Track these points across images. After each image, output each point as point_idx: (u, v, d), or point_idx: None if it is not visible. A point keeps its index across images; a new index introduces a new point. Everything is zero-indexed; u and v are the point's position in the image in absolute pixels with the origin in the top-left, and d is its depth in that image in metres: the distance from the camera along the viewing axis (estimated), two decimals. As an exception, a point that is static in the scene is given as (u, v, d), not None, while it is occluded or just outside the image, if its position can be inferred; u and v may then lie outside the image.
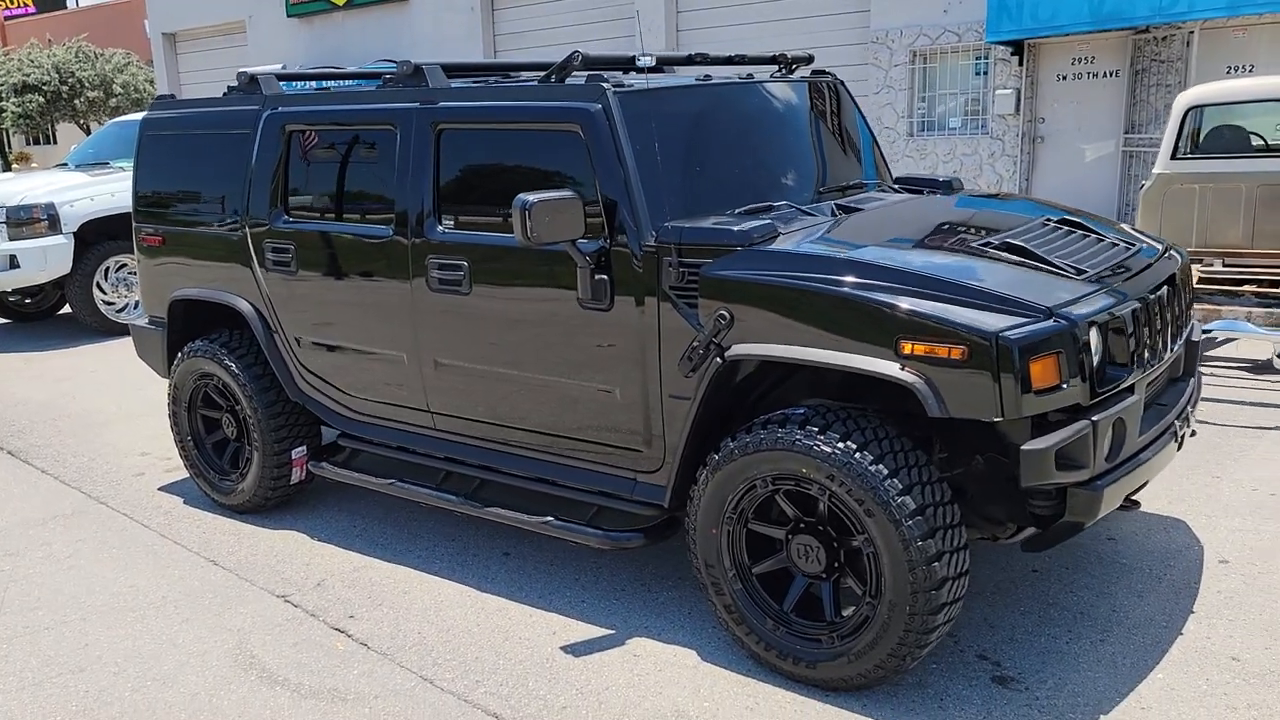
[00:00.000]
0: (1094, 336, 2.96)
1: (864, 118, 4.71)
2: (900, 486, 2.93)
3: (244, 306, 4.61)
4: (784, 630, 3.26)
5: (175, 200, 4.85)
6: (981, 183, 12.04)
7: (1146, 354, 3.20)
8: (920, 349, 2.89)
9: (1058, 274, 3.16)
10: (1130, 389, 3.11)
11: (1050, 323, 2.87)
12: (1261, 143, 7.55)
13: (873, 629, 3.03)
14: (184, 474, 5.25)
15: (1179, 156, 7.32)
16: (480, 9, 16.11)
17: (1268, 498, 4.45)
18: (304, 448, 4.71)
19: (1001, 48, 11.34)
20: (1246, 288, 6.32)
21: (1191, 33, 10.42)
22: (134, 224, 5.07)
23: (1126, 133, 10.99)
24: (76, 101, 25.64)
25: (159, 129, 4.89)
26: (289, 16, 18.70)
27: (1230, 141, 7.34)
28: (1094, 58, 11.23)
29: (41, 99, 25.60)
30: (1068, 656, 3.33)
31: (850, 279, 3.05)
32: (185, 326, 4.95)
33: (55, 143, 31.28)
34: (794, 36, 13.21)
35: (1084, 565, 3.93)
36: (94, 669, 3.57)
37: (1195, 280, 6.42)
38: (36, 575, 4.36)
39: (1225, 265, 6.89)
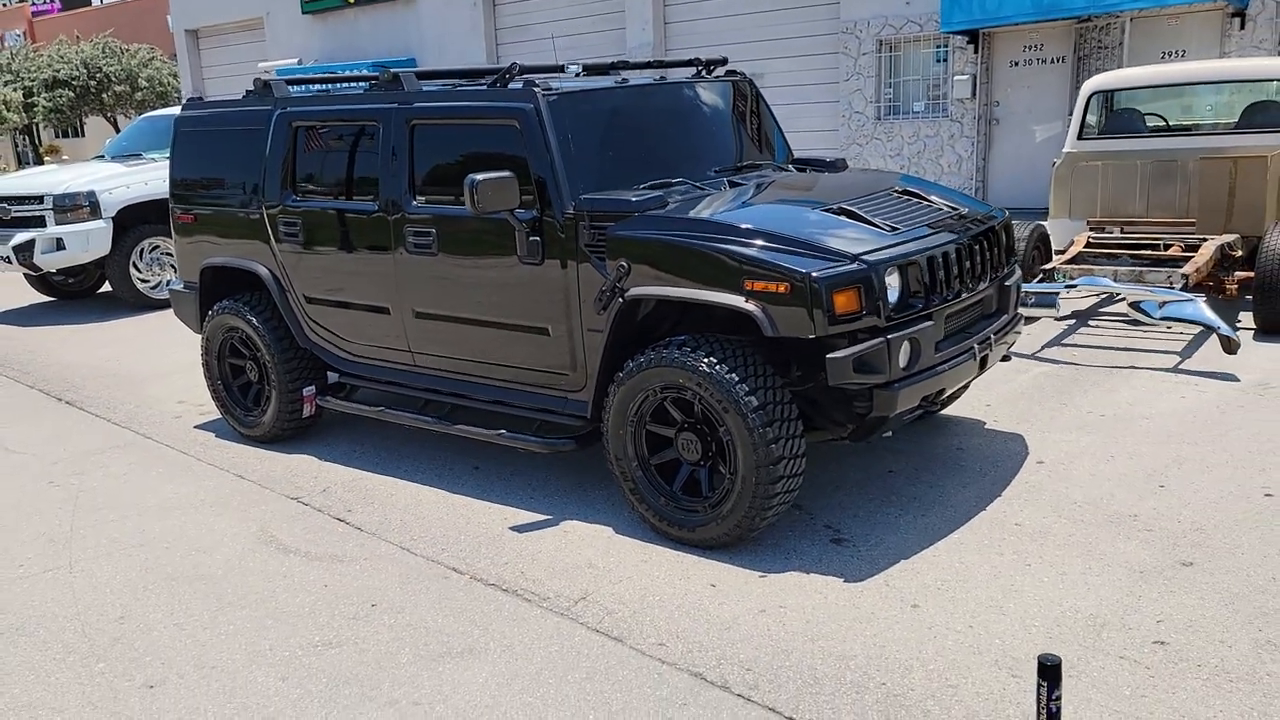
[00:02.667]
0: (892, 277, 3.95)
1: (769, 108, 5.71)
2: (747, 389, 3.94)
3: (262, 271, 5.67)
4: (673, 505, 4.28)
5: (204, 185, 5.91)
6: (943, 162, 12.97)
7: (945, 291, 4.20)
8: (759, 286, 3.90)
9: (874, 230, 4.16)
10: (928, 317, 4.11)
11: (852, 266, 3.87)
12: (1161, 123, 8.47)
13: (731, 498, 4.05)
14: (215, 416, 6.33)
15: (1085, 137, 8.26)
16: (482, 5, 17.11)
17: (1097, 419, 5.43)
18: (312, 386, 5.77)
19: (959, 36, 12.25)
20: (1127, 251, 7.27)
21: (1129, 21, 11.31)
22: (170, 205, 6.13)
23: (1069, 114, 11.89)
24: (104, 96, 26.80)
25: (190, 126, 5.95)
26: (304, 13, 19.77)
27: (1129, 123, 8.26)
28: (1043, 45, 12.13)
29: (71, 93, 26.77)
30: (893, 527, 4.34)
31: (712, 235, 4.06)
32: (214, 290, 6.02)
33: (83, 135, 32.55)
34: (771, 27, 14.16)
35: (930, 466, 4.94)
36: (151, 545, 4.65)
37: (1085, 245, 7.40)
38: (100, 487, 5.45)
39: (1122, 233, 7.84)
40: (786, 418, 4.01)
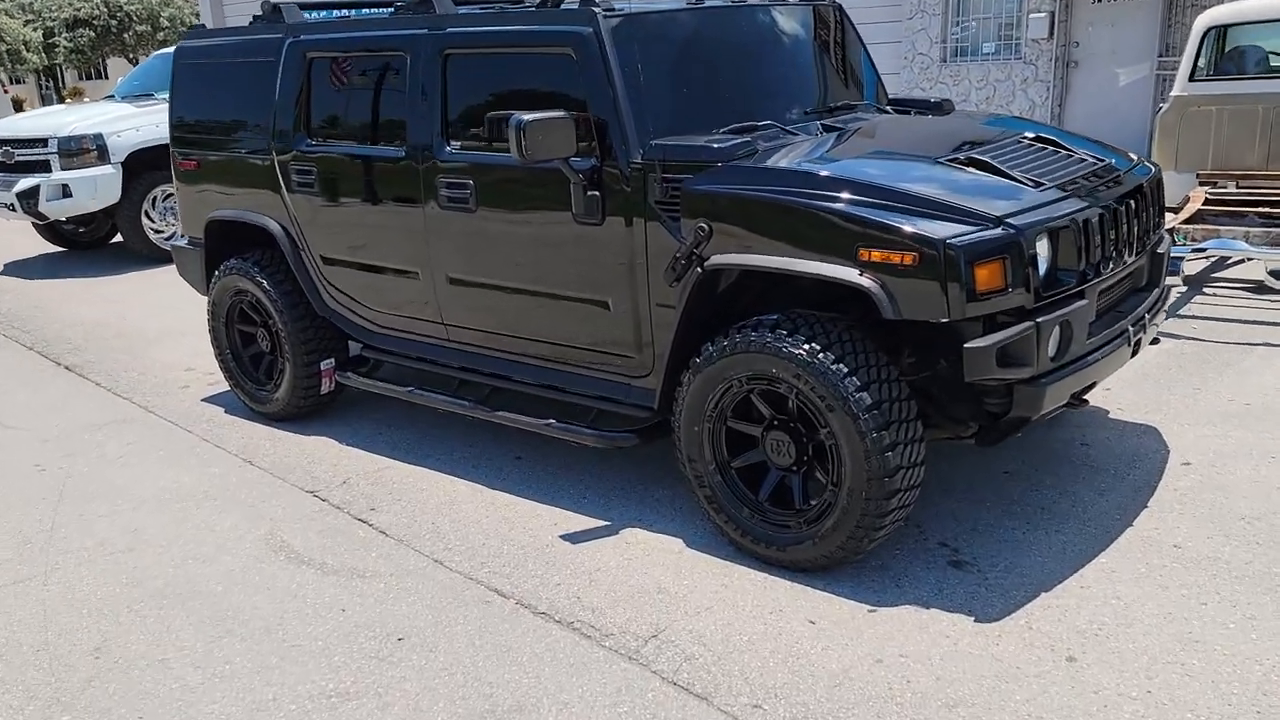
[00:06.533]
0: (1042, 244, 3.17)
1: (862, 41, 4.87)
2: (858, 383, 3.19)
3: (273, 227, 4.94)
4: (759, 518, 3.56)
5: (208, 126, 5.17)
6: (1014, 108, 11.98)
7: (1100, 262, 3.40)
8: (877, 256, 3.13)
9: (1015, 185, 3.36)
10: (1080, 294, 3.32)
11: (997, 231, 3.08)
12: (1284, 64, 7.51)
13: (834, 514, 3.32)
14: (226, 387, 5.65)
15: (1197, 78, 7.32)
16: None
17: (1241, 407, 4.63)
18: (331, 360, 5.07)
19: (1035, -30, 11.20)
20: (1253, 209, 6.38)
21: (1229, -49, 10.21)
22: (171, 149, 5.40)
23: (1161, 55, 10.86)
24: (125, 35, 26.10)
25: (192, 58, 5.19)
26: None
27: (1249, 62, 7.30)
28: (1130, -22, 11.05)
29: (92, 33, 26.09)
30: (1022, 545, 3.60)
31: (818, 192, 3.28)
32: (221, 246, 5.30)
33: (106, 77, 31.88)
34: (826, -39, 13.09)
35: (1053, 467, 4.18)
36: (141, 549, 3.99)
37: (1203, 203, 6.52)
38: (92, 472, 4.80)
39: (1239, 187, 6.94)
40: (905, 418, 3.26)
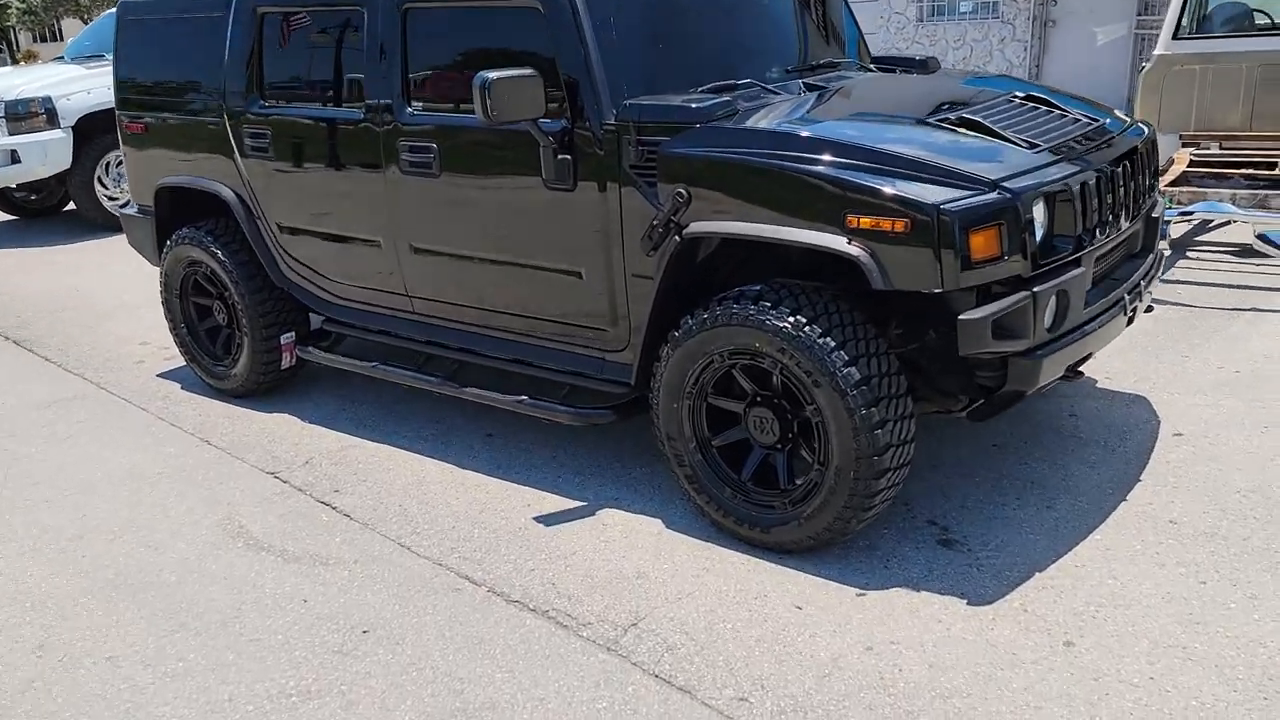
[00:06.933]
0: (1038, 209, 3.00)
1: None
2: (846, 358, 3.02)
3: (226, 193, 4.69)
4: (741, 498, 3.40)
5: (155, 87, 4.89)
6: (992, 69, 11.81)
7: (1096, 227, 3.25)
8: (866, 223, 2.95)
9: (1009, 147, 3.19)
10: (1077, 261, 3.17)
11: (992, 195, 2.91)
12: (1268, 21, 7.36)
13: (820, 494, 3.17)
14: (182, 362, 5.41)
15: (1180, 37, 7.17)
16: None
17: (1231, 375, 4.52)
18: (292, 333, 4.84)
19: (1013, -75, 11.00)
20: (1238, 171, 6.27)
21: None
22: (117, 112, 5.12)
23: (1140, 14, 10.72)
24: (78, -4, 25.27)
25: (136, 14, 4.90)
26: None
27: (1234, 20, 7.16)
28: (1109, -66, 10.88)
29: (43, -7, 25.24)
30: (1013, 522, 3.47)
31: (803, 155, 3.09)
32: (173, 215, 5.03)
33: (61, 39, 30.95)
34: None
35: (1042, 439, 4.05)
36: (91, 536, 3.78)
37: (1187, 164, 6.39)
38: (39, 454, 4.56)
39: (1221, 148, 6.82)
40: (895, 393, 3.10)
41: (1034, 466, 3.84)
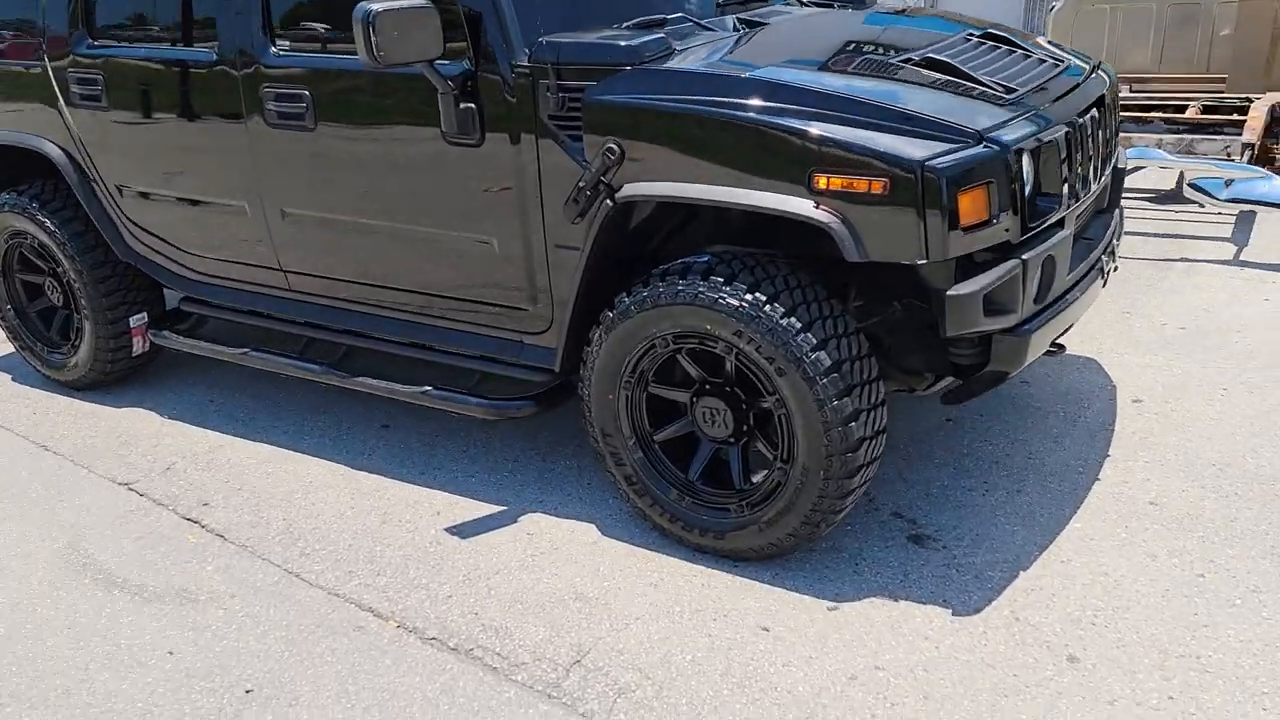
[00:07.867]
0: (1027, 163, 2.62)
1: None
2: (814, 341, 2.60)
3: (52, 151, 3.93)
4: (690, 500, 2.96)
5: (-45, 24, 4.05)
6: (887, 1, 11.52)
7: (1079, 183, 2.89)
8: (836, 183, 2.51)
9: (986, 93, 2.78)
10: (1060, 223, 2.81)
11: (981, 149, 2.51)
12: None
13: (784, 495, 2.76)
14: (10, 349, 4.63)
15: (1091, -26, 6.96)
16: None
17: (1177, 332, 4.31)
18: (143, 315, 4.16)
19: None
20: (1154, 114, 6.10)
21: None
22: (-90, 55, 4.24)
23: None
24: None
25: (-74, -65, 4.03)
26: None
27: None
28: None
29: None
30: (984, 510, 3.14)
31: (757, 102, 2.62)
32: (-9, 177, 4.23)
33: None
34: None
35: (998, 412, 3.74)
36: (-104, 581, 3.09)
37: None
38: None
39: (1132, 91, 6.67)
40: (867, 379, 2.70)
41: (995, 444, 3.53)
